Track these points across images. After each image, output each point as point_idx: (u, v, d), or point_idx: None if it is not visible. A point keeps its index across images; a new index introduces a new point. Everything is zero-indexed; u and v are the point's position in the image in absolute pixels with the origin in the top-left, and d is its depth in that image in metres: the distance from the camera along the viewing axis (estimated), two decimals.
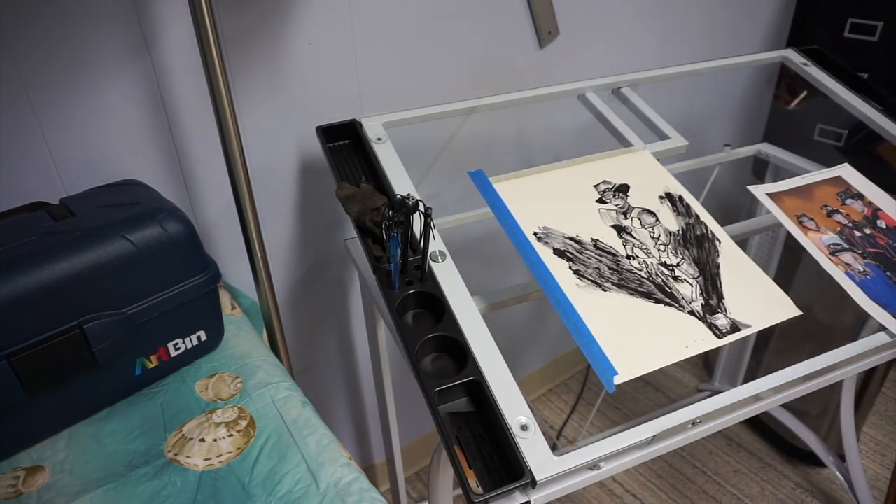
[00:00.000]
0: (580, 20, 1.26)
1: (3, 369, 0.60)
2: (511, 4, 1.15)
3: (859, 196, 0.96)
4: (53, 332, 0.63)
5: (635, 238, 0.85)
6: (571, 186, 0.91)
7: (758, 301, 0.79)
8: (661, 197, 0.91)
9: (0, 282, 0.59)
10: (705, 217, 0.89)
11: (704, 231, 0.87)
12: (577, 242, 0.83)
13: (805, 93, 1.58)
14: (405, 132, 1.03)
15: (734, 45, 1.64)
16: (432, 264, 0.79)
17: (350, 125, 0.96)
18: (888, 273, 0.86)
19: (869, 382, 1.55)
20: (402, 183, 0.87)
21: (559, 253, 0.83)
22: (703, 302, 0.79)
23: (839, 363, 0.79)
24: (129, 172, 0.85)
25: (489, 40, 1.15)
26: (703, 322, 0.77)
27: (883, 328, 0.82)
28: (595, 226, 0.86)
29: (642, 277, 0.81)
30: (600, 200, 0.89)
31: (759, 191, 0.94)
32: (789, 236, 0.89)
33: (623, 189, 0.91)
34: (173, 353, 0.74)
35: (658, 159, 0.98)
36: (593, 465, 0.68)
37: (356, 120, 0.97)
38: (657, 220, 0.88)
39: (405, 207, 0.74)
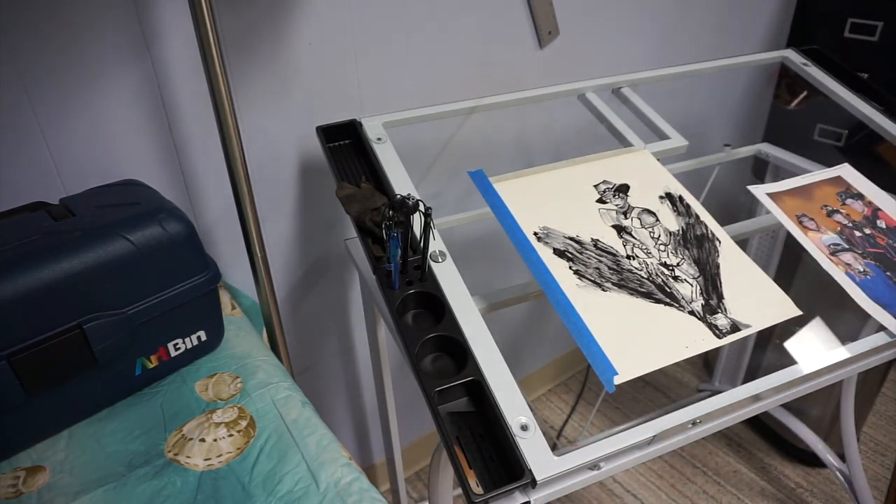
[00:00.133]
0: (580, 20, 1.26)
1: (3, 369, 0.60)
2: (511, 4, 1.15)
3: (859, 196, 0.96)
4: (53, 332, 0.63)
5: (635, 238, 0.85)
6: (571, 186, 0.91)
7: (758, 301, 0.79)
8: (661, 197, 0.91)
9: (0, 282, 0.59)
10: (705, 217, 0.89)
11: (704, 231, 0.87)
12: (578, 242, 0.83)
13: (805, 93, 1.58)
14: (405, 132, 1.03)
15: (734, 45, 1.64)
16: (432, 264, 0.79)
17: (350, 125, 0.96)
18: (888, 273, 0.86)
19: (869, 382, 1.55)
20: (402, 183, 0.87)
21: (559, 253, 0.83)
22: (703, 302, 0.79)
23: (839, 363, 0.79)
24: (129, 172, 0.85)
25: (489, 40, 1.15)
26: (703, 322, 0.77)
27: (883, 328, 0.82)
28: (595, 226, 0.86)
29: (642, 277, 0.81)
30: (600, 200, 0.89)
31: (759, 191, 0.94)
32: (789, 236, 0.89)
33: (623, 189, 0.91)
34: (173, 353, 0.74)
35: (658, 159, 0.98)
36: (593, 465, 0.68)
37: (356, 120, 0.97)
38: (657, 220, 0.88)
39: (405, 207, 0.74)
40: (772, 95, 1.74)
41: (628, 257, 0.83)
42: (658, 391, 1.89)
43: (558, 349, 1.85)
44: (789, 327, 0.87)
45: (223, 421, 0.70)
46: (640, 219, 0.88)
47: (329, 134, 0.95)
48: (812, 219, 0.92)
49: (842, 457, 1.50)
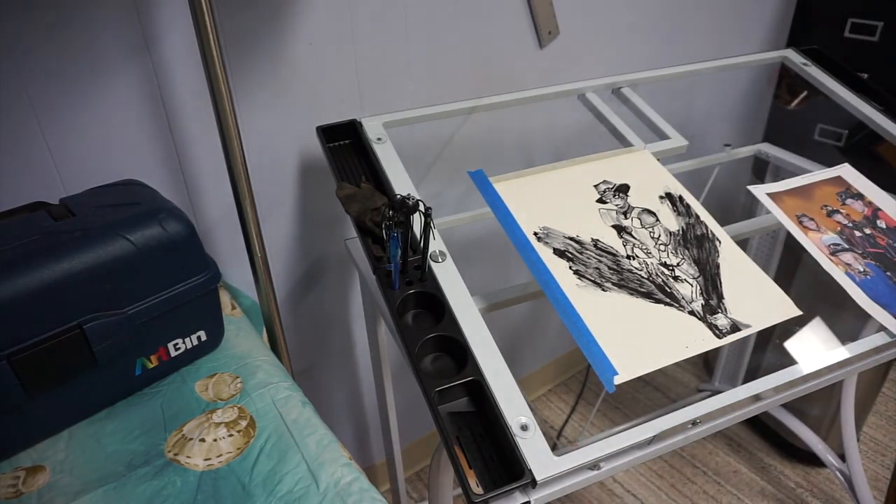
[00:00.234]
0: (580, 20, 1.26)
1: (3, 369, 0.60)
2: (511, 4, 1.15)
3: (859, 196, 0.96)
4: (53, 332, 0.63)
5: (635, 238, 0.85)
6: (571, 186, 0.91)
7: (758, 301, 0.79)
8: (661, 197, 0.91)
9: (0, 282, 0.59)
10: (705, 217, 0.89)
11: (704, 231, 0.87)
12: (578, 242, 0.83)
13: (805, 93, 1.58)
14: (405, 132, 1.03)
15: (734, 45, 1.64)
16: (432, 264, 0.79)
17: (350, 125, 0.96)
18: (888, 273, 0.86)
19: (869, 382, 1.55)
20: (402, 183, 0.87)
21: (559, 253, 0.83)
22: (703, 302, 0.79)
23: (839, 363, 0.79)
24: (129, 172, 0.85)
25: (489, 40, 1.15)
26: (703, 322, 0.77)
27: (883, 328, 0.82)
28: (595, 226, 0.86)
29: (642, 277, 0.81)
30: (600, 200, 0.89)
31: (759, 191, 0.94)
32: (789, 236, 0.89)
33: (623, 189, 0.91)
34: (173, 353, 0.74)
35: (658, 159, 0.98)
36: (593, 465, 0.68)
37: (356, 120, 0.97)
38: (657, 220, 0.88)
39: (405, 207, 0.74)
40: (772, 95, 1.74)
41: (628, 257, 0.83)
42: (658, 391, 1.89)
43: (558, 349, 1.85)
44: (789, 327, 0.87)
45: (223, 421, 0.70)
46: (640, 219, 0.88)
47: (329, 134, 0.95)
48: (812, 219, 0.92)
49: (842, 457, 1.50)
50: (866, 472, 1.45)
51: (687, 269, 0.82)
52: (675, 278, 0.81)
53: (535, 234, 0.83)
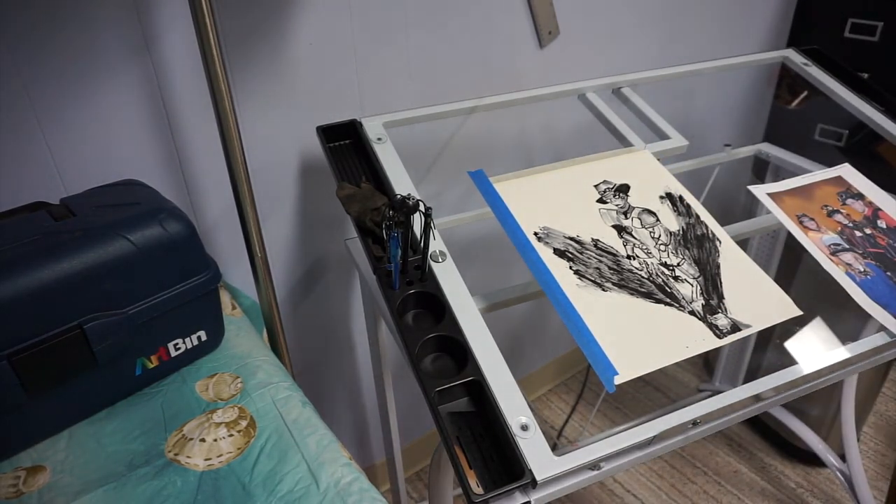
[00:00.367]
0: (580, 20, 1.26)
1: (3, 369, 0.60)
2: (511, 4, 1.15)
3: (860, 196, 0.96)
4: (53, 332, 0.63)
5: (636, 238, 0.85)
6: (571, 186, 0.91)
7: (758, 301, 0.79)
8: (661, 197, 0.91)
9: (0, 282, 0.59)
10: (705, 217, 0.89)
11: (705, 231, 0.87)
12: (578, 242, 0.83)
13: (805, 93, 1.58)
14: (405, 132, 1.03)
15: (734, 45, 1.64)
16: (432, 264, 0.79)
17: (350, 125, 0.96)
18: (888, 273, 0.86)
19: (869, 382, 1.55)
20: (402, 183, 0.87)
21: (559, 253, 0.83)
22: (703, 302, 0.79)
23: (839, 363, 0.79)
24: (129, 172, 0.85)
25: (489, 40, 1.15)
26: (704, 322, 0.77)
27: (883, 328, 0.82)
28: (595, 226, 0.86)
29: (643, 277, 0.81)
30: (600, 200, 0.89)
31: (760, 191, 0.94)
32: (789, 236, 0.89)
33: (623, 189, 0.91)
34: (173, 353, 0.74)
35: (658, 159, 0.98)
36: (593, 465, 0.68)
37: (356, 120, 0.97)
38: (657, 220, 0.88)
39: (405, 207, 0.74)
40: (772, 95, 1.74)
41: (628, 257, 0.83)
42: (658, 391, 1.89)
43: (558, 349, 1.85)
44: (789, 327, 0.87)
45: (223, 421, 0.70)
46: (640, 219, 0.88)
47: (329, 134, 0.95)
48: (812, 219, 0.92)
49: (842, 457, 1.50)
50: (866, 472, 1.45)
51: (687, 269, 0.82)
52: (676, 278, 0.81)
53: (536, 234, 0.83)
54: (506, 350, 0.69)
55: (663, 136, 1.03)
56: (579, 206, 0.88)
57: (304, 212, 1.08)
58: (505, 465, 0.63)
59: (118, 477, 0.64)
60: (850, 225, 0.92)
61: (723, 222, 0.88)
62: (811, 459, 1.66)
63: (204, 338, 0.76)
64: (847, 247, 0.88)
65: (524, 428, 0.64)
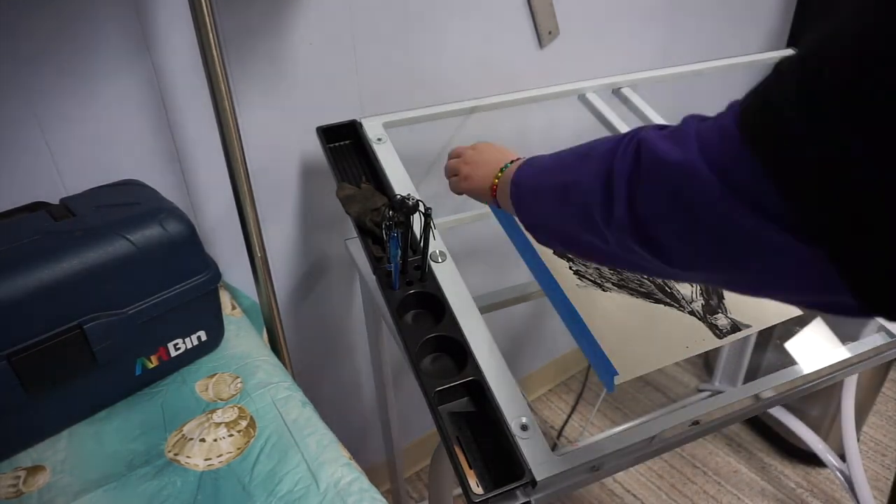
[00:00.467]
0: (580, 20, 1.26)
1: (3, 369, 0.60)
2: (511, 4, 1.15)
3: None
4: (53, 332, 0.63)
5: None
6: None
7: (758, 301, 0.80)
8: None
9: (0, 282, 0.59)
10: None
11: None
12: None
13: None
14: (405, 132, 1.03)
15: (734, 45, 1.64)
16: (432, 264, 0.79)
17: (350, 125, 0.96)
18: None
19: (869, 382, 1.55)
20: (402, 183, 0.87)
21: (559, 253, 0.83)
22: (703, 302, 0.79)
23: (839, 363, 0.79)
24: (129, 172, 0.85)
25: (489, 40, 1.15)
26: (704, 322, 0.77)
27: (883, 328, 0.82)
28: None
29: (642, 277, 0.81)
30: None
31: None
32: None
33: None
34: (173, 353, 0.74)
35: None
36: (594, 466, 0.68)
37: (356, 120, 0.97)
38: None
39: (405, 207, 0.74)
40: None
41: None
42: (658, 391, 1.89)
43: (558, 349, 1.85)
44: (789, 327, 0.88)
45: (223, 421, 0.70)
46: None
47: (329, 134, 0.95)
48: None
49: (842, 457, 1.50)
50: (866, 472, 1.45)
51: None
52: None
53: None
54: (506, 350, 0.69)
55: None
56: None
57: (304, 212, 1.08)
58: (505, 465, 0.63)
59: (118, 477, 0.64)
60: None
61: None
62: (811, 459, 1.66)
63: (204, 338, 0.76)
64: None
65: (524, 428, 0.64)
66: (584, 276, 0.80)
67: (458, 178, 0.78)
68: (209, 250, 0.76)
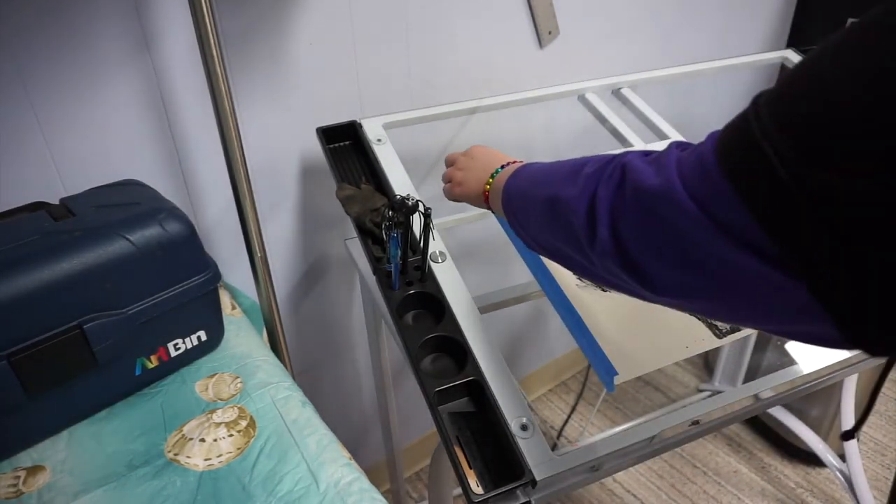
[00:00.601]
0: (580, 20, 1.26)
1: (3, 369, 0.60)
2: (511, 4, 1.15)
3: None
4: (53, 332, 0.63)
5: None
6: None
7: None
8: None
9: (0, 282, 0.59)
10: None
11: None
12: None
13: None
14: (405, 133, 1.03)
15: (734, 45, 1.64)
16: (432, 264, 0.79)
17: (350, 126, 0.96)
18: None
19: (869, 382, 1.55)
20: (402, 183, 0.87)
21: None
22: None
23: (839, 363, 0.79)
24: (129, 172, 0.85)
25: (489, 40, 1.15)
26: (704, 322, 0.77)
27: None
28: None
29: None
30: None
31: None
32: None
33: None
34: (173, 353, 0.74)
35: None
36: (593, 466, 0.68)
37: (356, 121, 0.97)
38: None
39: (405, 208, 0.74)
40: None
41: None
42: (658, 391, 1.89)
43: (558, 349, 1.85)
44: None
45: (223, 421, 0.70)
46: None
47: (329, 135, 0.95)
48: None
49: (842, 457, 1.50)
50: (866, 472, 1.45)
51: None
52: None
53: None
54: (506, 350, 0.69)
55: (663, 137, 1.03)
56: None
57: (304, 212, 1.08)
58: (505, 465, 0.63)
59: (118, 477, 0.64)
60: None
61: None
62: (811, 459, 1.66)
63: (204, 338, 0.76)
64: None
65: (524, 428, 0.64)
66: None
67: (452, 185, 0.78)
68: (209, 250, 0.76)
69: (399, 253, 0.74)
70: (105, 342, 0.66)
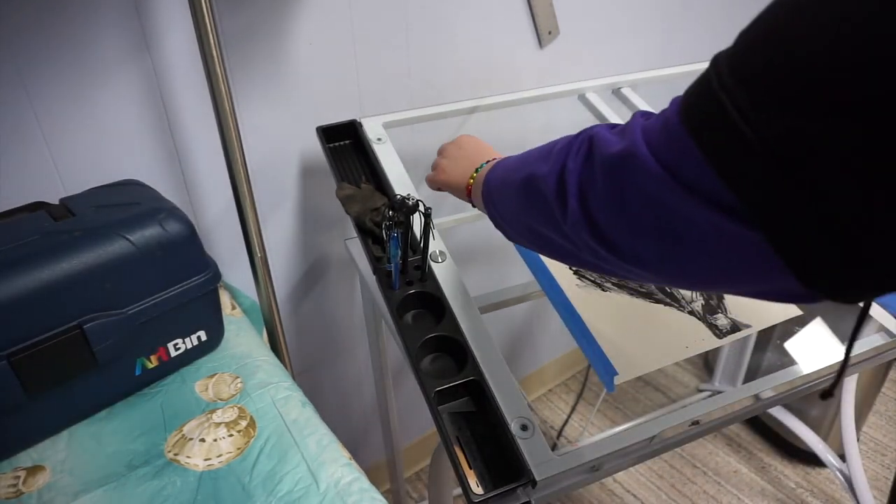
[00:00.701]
0: (580, 20, 1.26)
1: (3, 369, 0.60)
2: (511, 4, 1.15)
3: None
4: (53, 332, 0.63)
5: None
6: None
7: (758, 301, 0.80)
8: None
9: (0, 282, 0.59)
10: None
11: None
12: None
13: None
14: (405, 132, 1.03)
15: None
16: (432, 264, 0.79)
17: (350, 125, 0.96)
18: None
19: (869, 382, 1.55)
20: (402, 183, 0.87)
21: None
22: (703, 302, 0.79)
23: (839, 363, 0.79)
24: (129, 172, 0.85)
25: (489, 40, 1.15)
26: (704, 322, 0.77)
27: (883, 328, 0.82)
28: None
29: None
30: None
31: None
32: None
33: None
34: (173, 353, 0.74)
35: None
36: (593, 466, 0.68)
37: (356, 120, 0.97)
38: None
39: (405, 207, 0.74)
40: None
41: None
42: (658, 391, 1.89)
43: (558, 349, 1.85)
44: (789, 327, 0.88)
45: (223, 421, 0.70)
46: None
47: (329, 134, 0.95)
48: None
49: (842, 457, 1.50)
50: (866, 472, 1.45)
51: None
52: None
53: None
54: (506, 350, 0.69)
55: None
56: None
57: (304, 212, 1.08)
58: (505, 465, 0.63)
59: (118, 477, 0.64)
60: None
61: None
62: (811, 459, 1.66)
63: (204, 338, 0.76)
64: None
65: (524, 428, 0.64)
66: (584, 276, 0.81)
67: (437, 172, 0.78)
68: (209, 250, 0.76)
69: (399, 253, 0.74)
70: (105, 342, 0.66)
